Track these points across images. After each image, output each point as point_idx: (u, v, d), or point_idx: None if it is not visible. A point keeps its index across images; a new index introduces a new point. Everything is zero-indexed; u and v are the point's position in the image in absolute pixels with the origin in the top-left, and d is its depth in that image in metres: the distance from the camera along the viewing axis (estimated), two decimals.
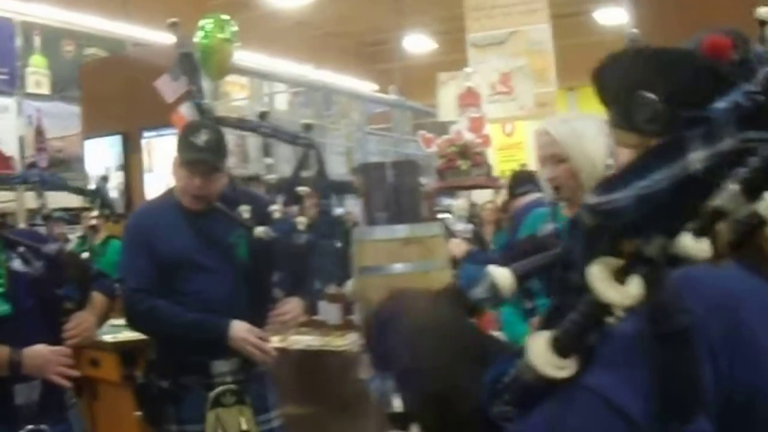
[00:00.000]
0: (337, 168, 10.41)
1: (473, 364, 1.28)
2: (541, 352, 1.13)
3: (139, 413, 3.89)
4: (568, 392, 1.12)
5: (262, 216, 3.77)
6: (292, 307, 3.80)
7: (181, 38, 4.24)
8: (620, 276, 1.07)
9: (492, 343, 1.42)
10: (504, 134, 12.44)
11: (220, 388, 3.68)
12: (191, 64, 4.04)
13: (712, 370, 1.09)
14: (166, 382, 3.71)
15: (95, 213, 6.48)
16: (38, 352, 3.31)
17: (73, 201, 8.02)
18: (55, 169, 10.79)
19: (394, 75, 14.69)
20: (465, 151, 6.99)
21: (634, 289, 1.07)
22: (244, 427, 3.70)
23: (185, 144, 3.71)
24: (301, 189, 4.01)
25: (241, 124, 4.48)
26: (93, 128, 8.51)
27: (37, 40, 11.67)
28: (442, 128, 8.95)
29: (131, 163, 7.95)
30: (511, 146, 12.50)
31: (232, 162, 4.52)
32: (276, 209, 3.82)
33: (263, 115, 4.13)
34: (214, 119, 3.92)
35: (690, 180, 1.01)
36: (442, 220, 5.33)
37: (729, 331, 1.11)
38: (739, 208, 1.06)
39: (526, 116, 10.54)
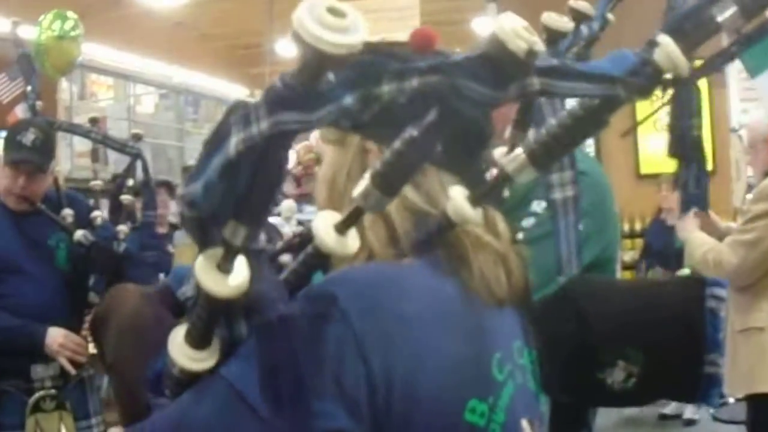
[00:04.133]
0: None
1: None
2: (178, 345, 1.13)
3: None
4: (205, 382, 1.13)
5: (84, 221, 3.74)
6: None
7: (18, 37, 4.16)
8: (223, 265, 1.07)
9: None
10: None
11: (40, 393, 3.64)
12: (29, 65, 3.98)
13: (361, 364, 1.09)
14: None
15: None
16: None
17: None
18: None
19: (266, 79, 14.66)
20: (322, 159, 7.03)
21: (234, 278, 1.07)
22: None
23: (12, 143, 3.65)
24: (126, 198, 3.96)
25: (72, 129, 4.44)
26: None
27: None
28: (301, 136, 8.96)
29: None
30: None
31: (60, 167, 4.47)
32: (98, 215, 3.80)
33: (94, 121, 4.08)
34: (46, 122, 3.85)
35: (232, 164, 1.01)
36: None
37: (376, 321, 1.11)
38: (378, 202, 1.09)
39: None
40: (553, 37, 1.80)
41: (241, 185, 1.04)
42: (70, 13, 5.01)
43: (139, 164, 3.94)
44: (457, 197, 1.14)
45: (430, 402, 1.12)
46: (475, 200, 1.14)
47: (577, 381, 1.99)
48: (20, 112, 4.06)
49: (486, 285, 1.20)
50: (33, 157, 3.62)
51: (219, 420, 1.10)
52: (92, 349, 3.70)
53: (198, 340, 1.12)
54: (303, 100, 1.00)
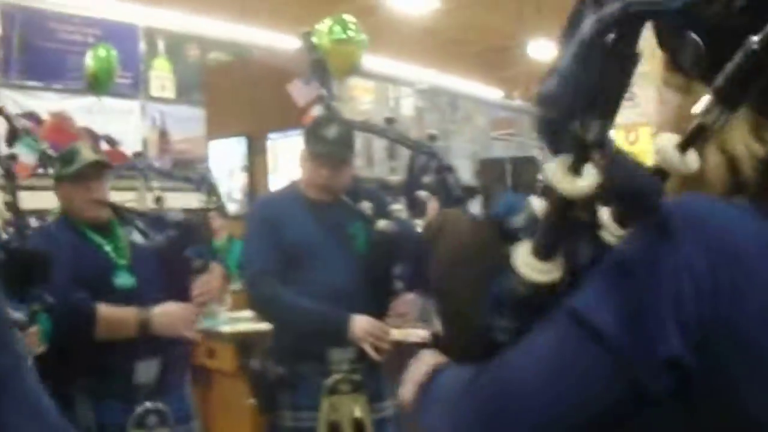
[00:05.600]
0: (462, 172, 10.50)
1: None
2: (523, 259, 1.14)
3: (252, 401, 3.95)
4: (551, 316, 1.12)
5: (382, 214, 3.84)
6: (410, 302, 3.85)
7: (311, 45, 4.37)
8: (574, 168, 1.07)
9: None
10: (627, 142, 12.30)
11: (336, 376, 3.73)
12: (322, 70, 4.16)
13: (694, 291, 1.05)
14: (282, 369, 3.76)
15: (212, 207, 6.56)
16: (168, 309, 3.50)
17: (192, 202, 8.21)
18: (178, 170, 11.00)
19: (518, 81, 14.71)
20: None
21: (586, 179, 1.07)
22: (358, 414, 3.75)
23: (315, 137, 3.82)
24: (422, 193, 4.09)
25: (368, 128, 4.59)
26: (217, 130, 8.68)
27: (161, 45, 11.89)
28: None
29: (255, 164, 8.09)
30: (634, 154, 12.31)
31: (357, 163, 4.63)
32: (397, 208, 3.92)
33: (390, 121, 4.23)
34: (344, 121, 4.03)
35: (586, 45, 1.01)
36: None
37: (708, 249, 1.07)
38: (718, 120, 1.06)
39: (649, 123, 10.39)
40: None
41: (593, 75, 1.03)
42: (349, 18, 5.22)
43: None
44: None
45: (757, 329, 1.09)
46: None
47: None
48: (315, 113, 4.23)
49: None
50: (336, 149, 3.79)
51: (559, 345, 1.10)
52: (396, 335, 3.85)
53: (544, 252, 1.13)
54: None
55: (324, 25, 5.26)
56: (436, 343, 1.48)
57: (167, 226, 3.65)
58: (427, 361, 1.44)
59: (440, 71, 13.68)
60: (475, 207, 7.02)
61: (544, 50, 16.19)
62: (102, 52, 6.24)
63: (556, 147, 1.10)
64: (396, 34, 13.12)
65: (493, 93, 15.99)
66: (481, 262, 1.32)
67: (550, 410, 1.10)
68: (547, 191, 1.11)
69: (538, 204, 1.23)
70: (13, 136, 4.12)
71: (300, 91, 4.21)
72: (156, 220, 3.74)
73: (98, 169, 3.70)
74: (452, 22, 14.05)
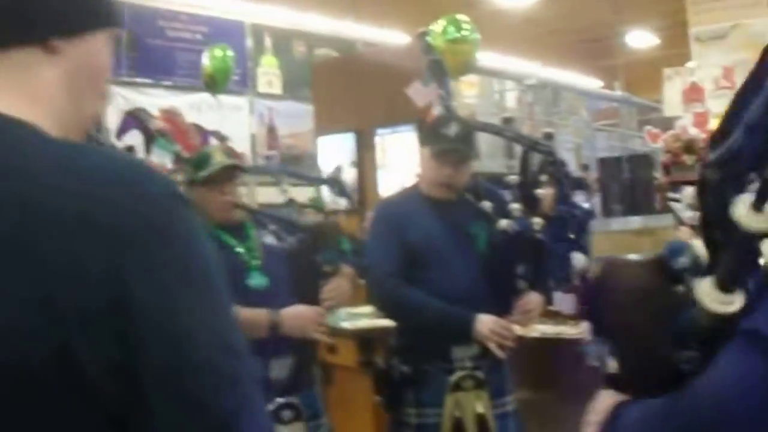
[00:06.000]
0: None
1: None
2: (707, 292, 1.22)
3: (377, 399, 4.02)
4: (734, 341, 1.17)
5: (501, 212, 3.88)
6: (534, 300, 3.88)
7: (428, 45, 4.42)
8: (757, 205, 1.14)
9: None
10: None
11: (460, 373, 3.78)
12: (441, 70, 4.20)
13: None
14: (407, 367, 3.83)
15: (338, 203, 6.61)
16: (298, 311, 3.59)
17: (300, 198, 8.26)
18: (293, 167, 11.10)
19: (618, 71, 14.61)
20: (690, 147, 6.95)
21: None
22: (480, 410, 3.80)
23: (436, 135, 3.87)
24: (540, 192, 4.11)
25: (485, 127, 4.63)
26: (325, 126, 8.74)
27: (268, 41, 12.00)
28: (667, 123, 8.90)
29: (364, 159, 8.12)
30: None
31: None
32: (516, 207, 3.94)
33: (507, 121, 4.27)
34: (463, 119, 4.07)
35: None
36: (673, 210, 5.36)
37: None
38: None
39: None
40: None
41: None
42: (463, 17, 5.27)
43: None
44: None
45: None
46: None
47: None
48: (435, 113, 4.28)
49: None
50: (458, 147, 3.84)
51: (747, 367, 1.15)
52: (518, 330, 3.91)
53: (728, 284, 1.21)
54: None
55: (438, 26, 5.32)
56: (613, 382, 1.56)
57: (299, 230, 3.74)
58: (606, 401, 1.52)
59: (540, 62, 13.66)
60: (581, 198, 7.05)
61: (641, 39, 16.06)
62: (218, 52, 6.36)
63: (737, 189, 1.18)
64: (497, 26, 13.12)
65: (593, 83, 15.91)
66: (655, 302, 1.42)
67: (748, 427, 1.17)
68: (730, 229, 1.18)
69: (700, 246, 1.30)
70: (149, 140, 4.21)
71: (419, 93, 4.26)
72: (288, 223, 3.83)
73: (230, 171, 3.81)
74: (552, 13, 14.02)
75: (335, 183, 6.30)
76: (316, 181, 6.45)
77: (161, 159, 4.02)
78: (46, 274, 0.97)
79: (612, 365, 1.57)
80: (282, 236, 3.78)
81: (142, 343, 0.98)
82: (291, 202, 5.06)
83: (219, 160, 3.78)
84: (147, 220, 1.02)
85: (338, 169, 6.93)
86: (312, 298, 3.63)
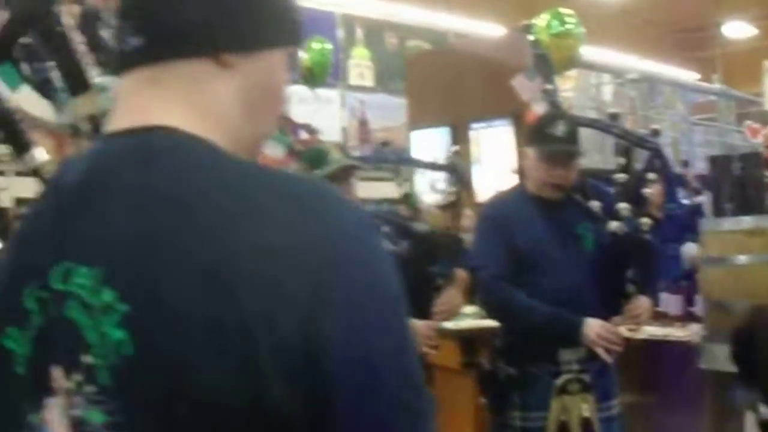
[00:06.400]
0: None
1: None
2: None
3: (483, 400, 3.98)
4: None
5: (609, 212, 3.81)
6: (644, 305, 3.81)
7: (533, 40, 4.36)
8: None
9: None
10: None
11: (567, 376, 3.72)
12: (546, 65, 4.14)
13: None
14: (513, 369, 3.78)
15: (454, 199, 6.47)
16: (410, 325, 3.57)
17: (388, 191, 8.18)
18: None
19: (715, 63, 14.35)
20: None
21: None
22: (586, 414, 3.73)
23: (543, 135, 3.79)
24: (647, 191, 4.01)
25: (592, 124, 4.55)
26: (419, 120, 8.70)
27: (359, 33, 11.95)
28: (767, 117, 8.70)
29: (459, 154, 8.09)
30: None
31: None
32: (624, 207, 3.84)
33: (614, 117, 4.18)
34: (570, 116, 4.00)
35: None
36: None
37: None
38: None
39: None
40: None
41: None
42: (566, 11, 5.20)
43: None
44: None
45: None
46: None
47: None
48: (538, 109, 4.23)
49: None
50: (566, 146, 3.76)
51: None
52: (625, 332, 3.82)
53: None
54: None
55: (541, 20, 5.26)
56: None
57: (410, 236, 3.68)
58: None
59: (636, 55, 13.47)
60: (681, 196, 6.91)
61: (739, 30, 15.77)
62: (316, 44, 6.34)
63: None
64: (593, 18, 12.97)
65: (689, 76, 15.65)
66: None
67: None
68: None
69: None
70: None
71: (524, 86, 4.21)
72: (402, 227, 3.77)
73: (349, 170, 3.77)
74: (648, 3, 13.83)
75: (454, 170, 6.18)
76: (435, 167, 6.33)
77: (273, 150, 3.99)
78: (243, 312, 0.93)
79: (765, 412, 1.54)
80: (395, 240, 3.71)
81: (335, 383, 0.94)
82: (407, 197, 4.97)
83: (336, 159, 3.72)
84: (345, 253, 0.98)
85: (456, 155, 6.78)
86: (424, 311, 3.56)
